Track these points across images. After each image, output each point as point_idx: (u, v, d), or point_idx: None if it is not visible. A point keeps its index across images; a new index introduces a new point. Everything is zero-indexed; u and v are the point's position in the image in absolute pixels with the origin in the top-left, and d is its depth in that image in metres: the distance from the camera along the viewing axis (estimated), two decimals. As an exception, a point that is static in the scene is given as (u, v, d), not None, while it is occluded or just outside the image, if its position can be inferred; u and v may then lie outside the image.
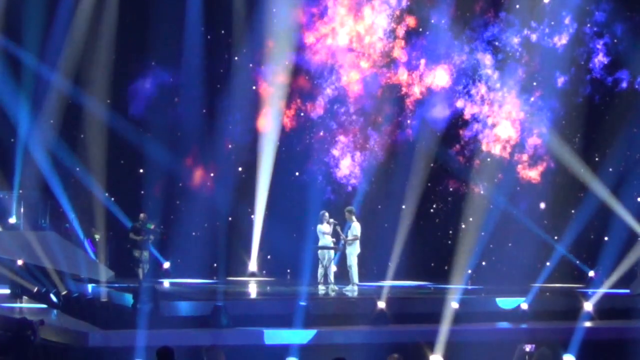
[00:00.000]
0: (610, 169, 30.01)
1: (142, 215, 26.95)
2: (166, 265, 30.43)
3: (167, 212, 30.53)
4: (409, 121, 31.58)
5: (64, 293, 23.66)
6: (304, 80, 31.72)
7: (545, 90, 31.01)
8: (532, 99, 31.19)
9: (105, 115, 30.34)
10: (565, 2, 30.84)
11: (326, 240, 24.36)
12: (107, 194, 30.13)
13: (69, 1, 29.76)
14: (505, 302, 22.07)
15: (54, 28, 29.49)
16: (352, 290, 24.01)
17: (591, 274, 29.57)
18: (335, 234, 24.62)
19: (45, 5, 29.29)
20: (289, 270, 31.10)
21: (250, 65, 31.67)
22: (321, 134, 31.62)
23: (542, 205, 31.26)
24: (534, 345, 19.26)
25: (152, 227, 27.03)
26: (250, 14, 31.01)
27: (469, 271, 27.99)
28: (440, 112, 31.35)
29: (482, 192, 31.05)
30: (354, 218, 24.56)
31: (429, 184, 31.18)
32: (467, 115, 31.46)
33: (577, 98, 30.88)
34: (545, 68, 30.99)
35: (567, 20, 30.92)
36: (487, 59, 31.34)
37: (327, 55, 31.55)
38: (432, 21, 31.47)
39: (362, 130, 31.54)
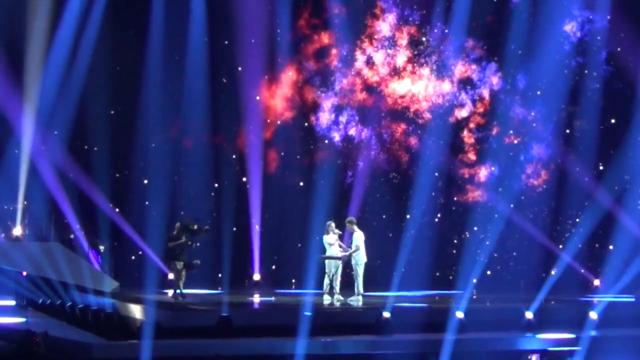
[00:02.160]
0: (615, 178, 30.00)
1: (178, 224, 25.30)
2: (170, 276, 30.41)
3: (172, 223, 30.57)
4: (410, 127, 31.57)
5: (68, 304, 23.65)
6: (308, 90, 31.75)
7: (549, 98, 31.03)
8: (533, 113, 31.20)
9: (110, 126, 30.38)
10: (568, 11, 30.86)
11: (332, 250, 24.31)
12: (111, 205, 30.14)
13: (74, 11, 29.80)
14: (510, 311, 22.03)
15: (58, 38, 29.54)
16: (357, 300, 23.98)
17: (596, 282, 29.58)
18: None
19: (49, 16, 29.35)
20: (293, 281, 31.10)
21: (254, 75, 31.68)
22: (325, 142, 31.63)
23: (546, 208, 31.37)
24: (539, 355, 19.26)
25: (196, 227, 26.03)
26: (253, 24, 31.02)
27: (474, 280, 27.97)
28: (442, 121, 31.41)
29: (486, 201, 31.02)
30: (355, 228, 24.51)
31: (433, 193, 31.18)
32: (471, 124, 31.46)
33: (581, 106, 30.90)
34: (550, 77, 31.01)
35: (570, 28, 30.94)
36: (491, 68, 31.39)
37: (332, 65, 31.62)
38: (436, 30, 31.53)
39: (366, 139, 31.55)
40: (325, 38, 31.60)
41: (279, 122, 31.75)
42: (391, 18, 31.50)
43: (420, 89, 31.51)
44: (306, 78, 31.74)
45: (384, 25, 31.49)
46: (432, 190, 31.04)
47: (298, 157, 31.88)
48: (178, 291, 24.45)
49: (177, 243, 24.60)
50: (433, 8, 31.44)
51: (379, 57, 31.54)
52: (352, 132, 31.61)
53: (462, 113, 31.48)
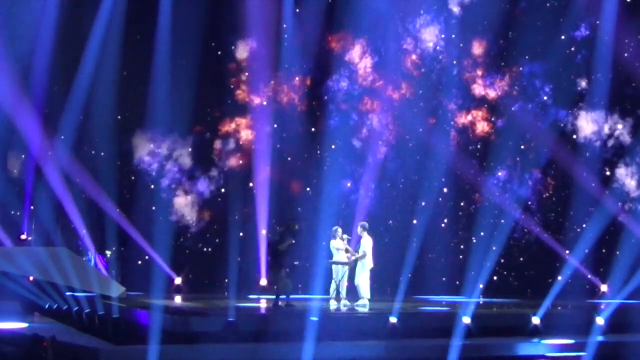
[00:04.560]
0: (622, 183, 29.99)
1: (280, 227, 24.57)
2: (177, 281, 30.45)
3: (179, 229, 30.66)
4: (417, 132, 31.58)
5: (75, 309, 23.66)
6: (318, 99, 31.76)
7: (556, 103, 31.03)
8: (540, 118, 31.18)
9: (117, 132, 30.43)
10: (576, 16, 30.88)
11: (339, 256, 24.30)
12: (118, 210, 30.15)
13: (81, 15, 29.87)
14: (517, 317, 22.01)
15: (65, 42, 29.59)
16: (363, 305, 23.98)
17: (603, 287, 29.55)
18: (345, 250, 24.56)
19: (56, 20, 29.41)
20: (300, 286, 31.05)
21: (261, 79, 31.68)
22: (332, 147, 31.59)
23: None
24: (546, 360, 19.26)
25: (298, 227, 24.31)
26: (260, 28, 31.03)
27: (481, 285, 27.95)
28: (450, 126, 31.43)
29: (493, 206, 30.96)
30: (364, 234, 24.51)
31: (440, 199, 31.16)
32: (478, 129, 31.46)
33: (588, 111, 30.93)
34: (557, 81, 31.02)
35: (577, 33, 30.98)
36: (498, 73, 31.45)
37: (339, 69, 31.64)
38: (443, 35, 31.55)
39: (374, 146, 31.52)
40: (332, 42, 31.60)
41: (285, 127, 31.72)
42: (398, 21, 31.53)
43: (429, 93, 31.55)
44: (313, 82, 31.74)
45: (391, 29, 31.52)
46: (440, 195, 31.02)
47: (305, 162, 31.81)
48: (284, 297, 23.83)
49: (287, 245, 23.67)
50: (440, 13, 31.46)
51: (387, 60, 31.54)
52: (359, 136, 31.59)
53: (469, 118, 31.47)
